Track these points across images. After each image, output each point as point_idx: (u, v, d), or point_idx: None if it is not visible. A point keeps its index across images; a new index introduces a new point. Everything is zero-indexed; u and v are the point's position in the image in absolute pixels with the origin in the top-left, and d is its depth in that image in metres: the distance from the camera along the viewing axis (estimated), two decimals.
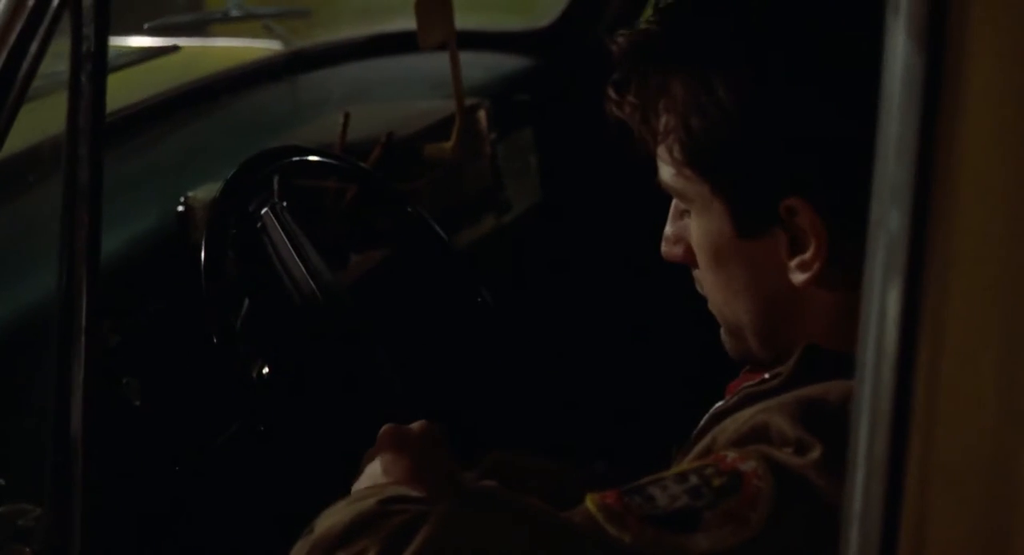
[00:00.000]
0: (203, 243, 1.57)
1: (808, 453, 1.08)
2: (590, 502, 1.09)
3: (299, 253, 1.67)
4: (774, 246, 1.22)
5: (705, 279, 1.30)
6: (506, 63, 3.18)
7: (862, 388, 0.84)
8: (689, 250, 1.30)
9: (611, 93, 1.28)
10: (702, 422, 1.27)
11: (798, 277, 1.22)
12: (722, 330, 1.33)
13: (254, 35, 3.09)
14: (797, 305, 1.24)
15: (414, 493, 1.26)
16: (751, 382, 1.25)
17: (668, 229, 1.34)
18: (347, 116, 2.10)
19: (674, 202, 1.32)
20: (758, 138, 1.19)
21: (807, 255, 1.20)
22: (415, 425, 1.47)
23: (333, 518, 1.22)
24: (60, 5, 1.11)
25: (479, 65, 2.85)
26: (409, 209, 1.87)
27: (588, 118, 3.14)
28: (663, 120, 1.24)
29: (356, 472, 1.46)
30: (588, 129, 3.16)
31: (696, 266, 1.31)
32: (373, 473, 1.39)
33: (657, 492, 1.09)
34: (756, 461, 1.09)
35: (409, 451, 1.41)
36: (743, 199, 1.23)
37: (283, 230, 1.67)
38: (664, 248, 1.34)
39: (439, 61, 2.90)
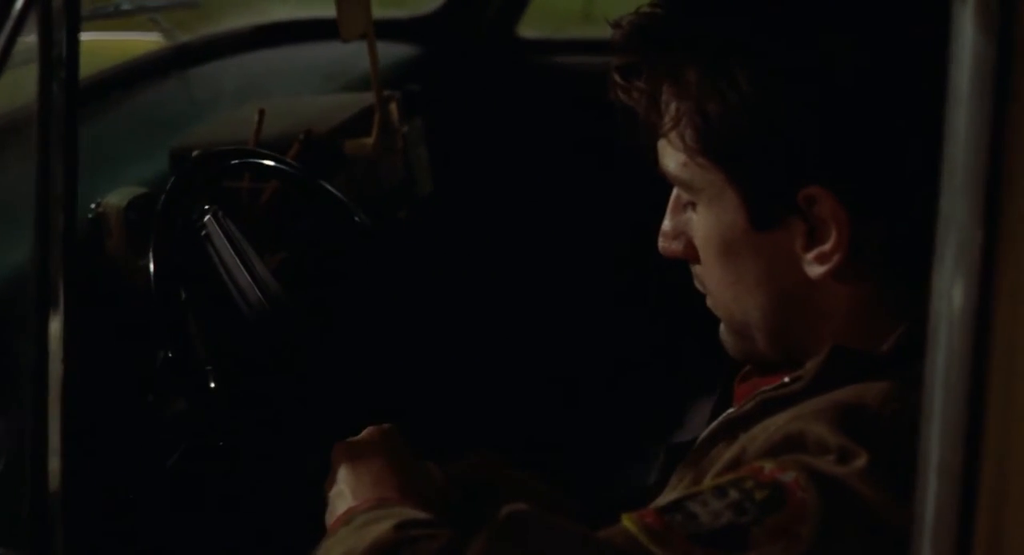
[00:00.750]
0: (151, 254, 1.49)
1: (852, 461, 1.04)
2: (629, 523, 1.04)
3: (243, 260, 1.61)
4: (789, 238, 1.18)
5: (710, 275, 1.24)
6: (391, 52, 3.11)
7: (932, 392, 0.81)
8: (690, 245, 1.25)
9: (618, 79, 1.22)
10: (711, 428, 1.22)
11: (815, 270, 1.17)
12: (723, 328, 1.27)
13: (127, 27, 3.00)
14: (811, 300, 1.20)
15: (422, 515, 1.19)
16: (768, 387, 1.20)
17: (666, 224, 1.27)
18: (262, 112, 2.03)
19: (673, 195, 1.26)
20: (778, 125, 1.14)
21: (826, 246, 1.16)
22: (364, 434, 1.41)
23: (340, 548, 1.15)
24: (25, 6, 1.02)
25: (364, 54, 2.79)
26: (357, 219, 1.81)
27: (476, 108, 3.12)
28: (673, 107, 1.19)
29: (316, 482, 1.40)
30: (476, 119, 3.14)
31: (697, 262, 1.26)
32: (342, 498, 1.32)
33: (697, 508, 1.04)
34: (796, 471, 1.04)
35: (366, 462, 1.35)
36: (760, 188, 1.18)
37: (226, 237, 1.60)
38: (662, 244, 1.27)
39: (325, 51, 2.82)
